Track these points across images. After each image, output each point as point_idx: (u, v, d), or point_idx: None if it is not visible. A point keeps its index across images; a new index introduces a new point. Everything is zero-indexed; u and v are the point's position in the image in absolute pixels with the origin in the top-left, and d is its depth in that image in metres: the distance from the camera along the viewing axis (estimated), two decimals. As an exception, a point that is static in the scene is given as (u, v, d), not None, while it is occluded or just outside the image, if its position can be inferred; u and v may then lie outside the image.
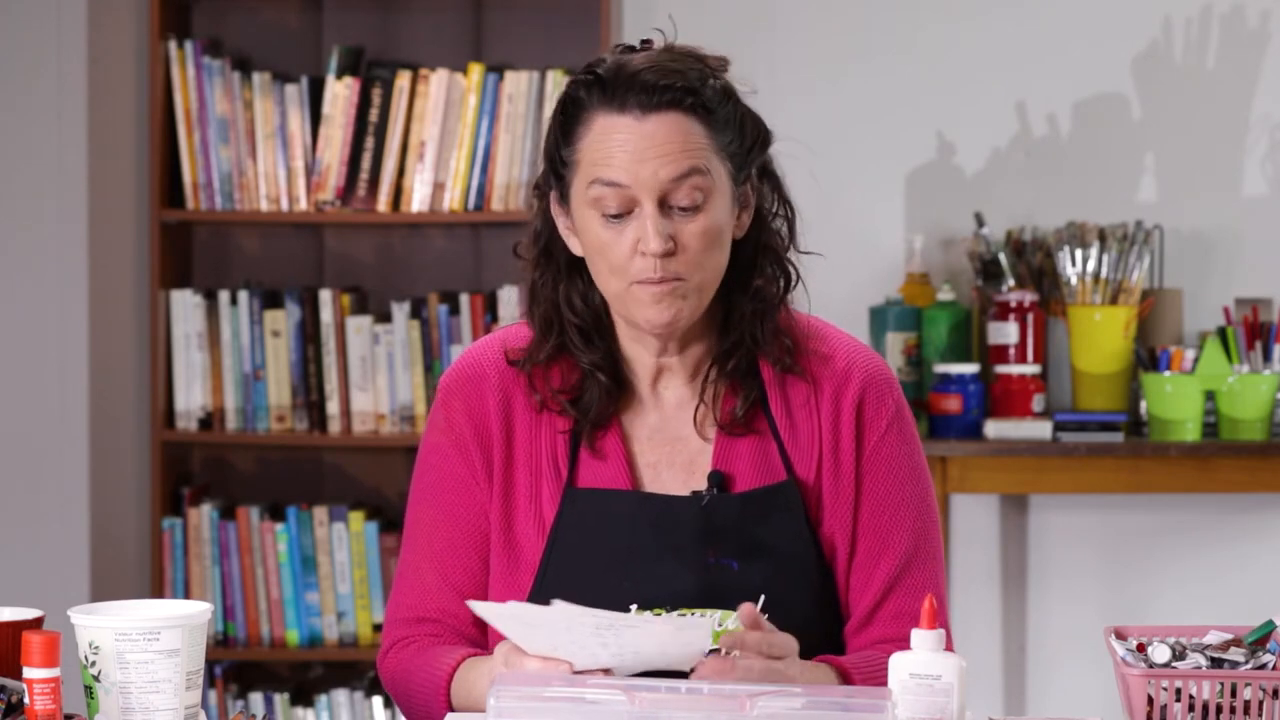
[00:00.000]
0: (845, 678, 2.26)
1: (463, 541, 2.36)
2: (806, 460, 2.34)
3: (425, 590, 2.37)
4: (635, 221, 2.26)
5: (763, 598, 2.28)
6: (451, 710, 2.29)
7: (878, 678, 2.23)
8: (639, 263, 2.26)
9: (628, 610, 2.27)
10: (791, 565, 2.31)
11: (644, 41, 2.34)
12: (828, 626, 2.35)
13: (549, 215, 2.35)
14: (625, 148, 2.25)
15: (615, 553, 2.30)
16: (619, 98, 2.26)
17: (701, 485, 2.33)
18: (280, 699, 4.64)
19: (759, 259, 2.35)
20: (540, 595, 2.30)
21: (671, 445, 2.36)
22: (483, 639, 2.36)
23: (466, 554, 2.36)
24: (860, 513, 2.35)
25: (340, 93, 4.61)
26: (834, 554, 2.34)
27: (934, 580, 2.36)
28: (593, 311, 2.36)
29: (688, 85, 2.26)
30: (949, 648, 2.28)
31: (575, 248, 2.33)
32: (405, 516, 2.42)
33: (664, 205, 2.26)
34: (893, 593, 2.33)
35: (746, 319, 2.35)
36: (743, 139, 2.31)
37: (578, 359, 2.35)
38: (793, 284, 2.37)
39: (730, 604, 2.28)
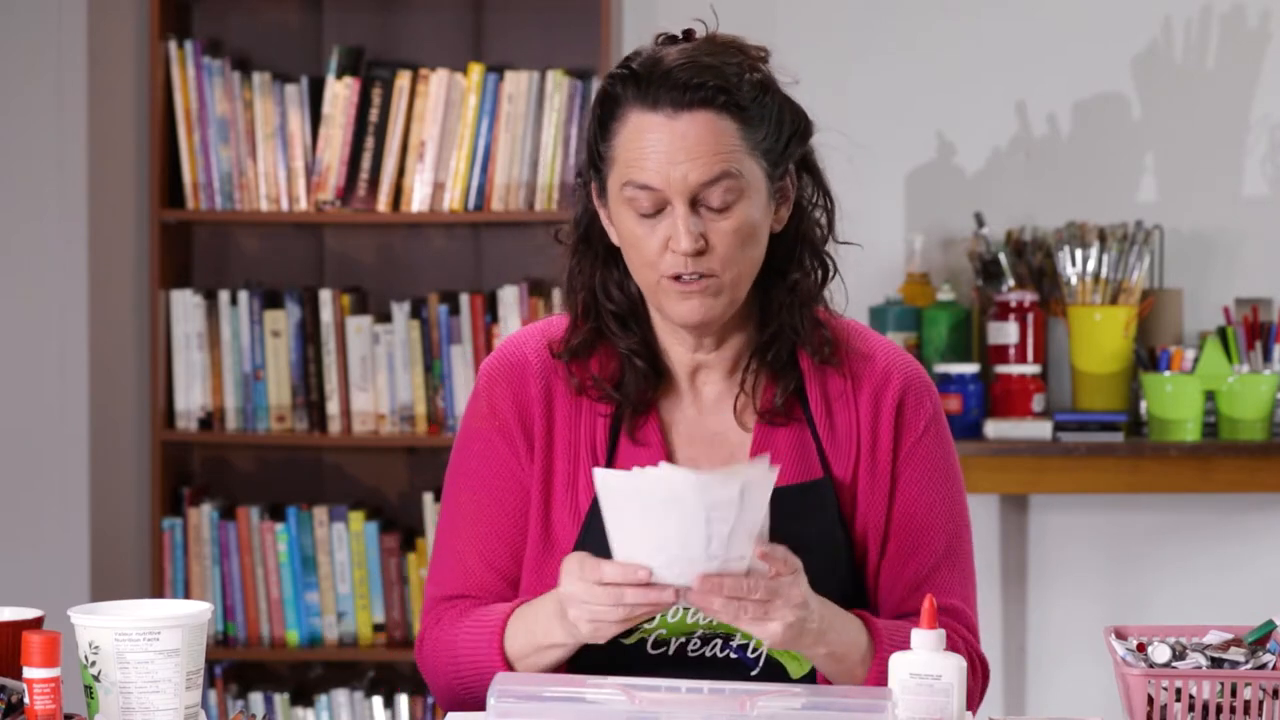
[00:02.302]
0: (874, 639, 2.25)
1: (507, 525, 2.36)
2: (844, 458, 2.35)
3: (467, 571, 2.36)
4: (667, 219, 2.26)
5: None
6: (507, 663, 2.27)
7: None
8: (670, 258, 2.26)
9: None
10: (824, 561, 2.31)
11: (686, 31, 2.33)
12: None
13: (590, 202, 2.36)
14: (657, 149, 2.24)
15: None
16: (652, 94, 2.25)
17: None
18: (280, 699, 4.63)
19: (797, 251, 2.35)
20: None
21: (710, 441, 2.36)
22: None
23: (511, 537, 2.36)
24: (893, 511, 2.35)
25: (340, 93, 4.61)
26: (865, 551, 2.35)
27: (963, 582, 2.36)
28: (629, 299, 2.36)
29: (720, 84, 2.25)
30: (979, 651, 2.30)
31: (613, 236, 2.34)
32: (443, 501, 2.41)
33: (695, 204, 2.26)
34: (919, 591, 2.33)
35: (784, 310, 2.35)
36: (780, 133, 2.31)
37: (615, 345, 2.36)
38: (830, 276, 2.38)
39: None
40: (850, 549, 2.34)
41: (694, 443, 2.36)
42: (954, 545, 2.36)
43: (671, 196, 2.25)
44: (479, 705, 2.23)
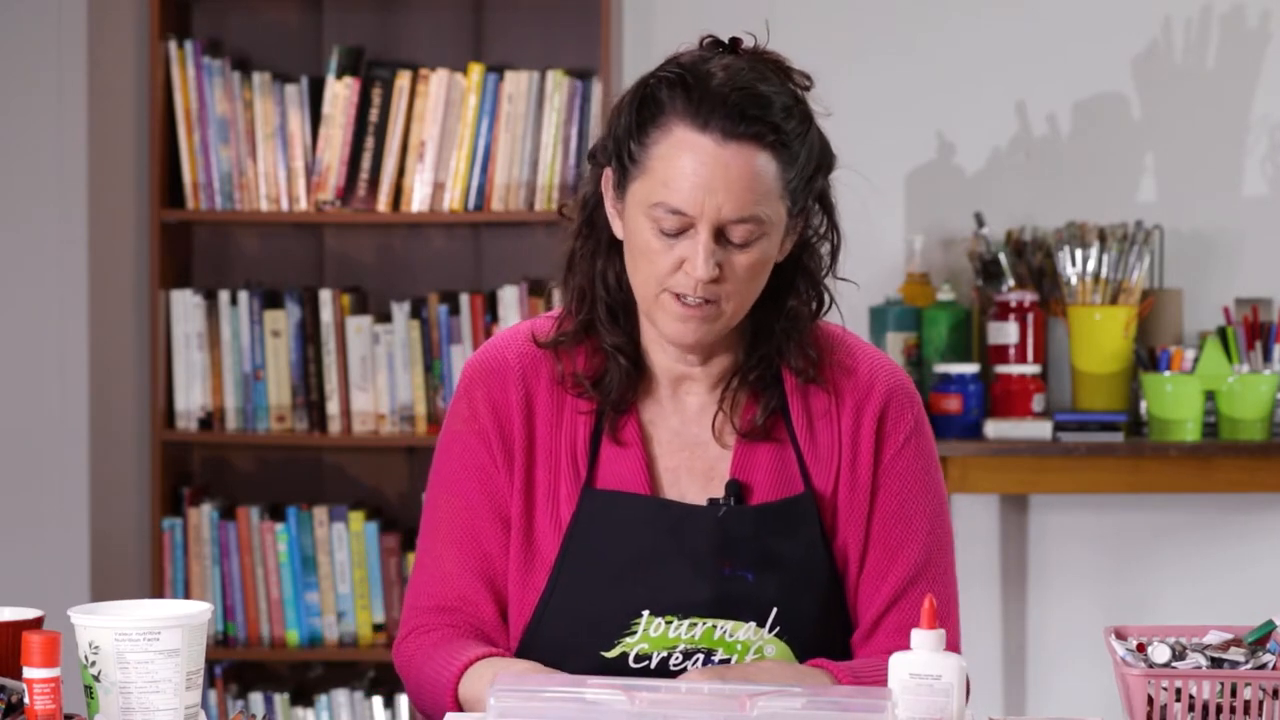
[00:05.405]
0: (835, 683, 2.26)
1: (484, 528, 2.35)
2: (825, 472, 2.34)
3: (445, 577, 2.36)
4: (687, 241, 2.24)
5: (775, 610, 2.29)
6: (460, 707, 2.28)
7: (867, 684, 2.24)
8: (680, 278, 2.25)
9: (640, 615, 2.28)
10: (805, 577, 2.31)
11: (732, 40, 2.30)
12: (839, 637, 2.35)
13: (599, 186, 2.33)
14: (697, 174, 2.21)
15: (630, 557, 2.29)
16: (703, 114, 2.22)
17: (719, 493, 2.33)
18: (280, 699, 4.63)
19: (796, 280, 2.34)
20: (554, 595, 2.31)
21: (691, 451, 2.36)
22: (501, 630, 2.36)
23: (488, 541, 2.35)
24: (872, 524, 2.35)
25: (340, 93, 4.61)
26: (846, 565, 2.35)
27: (943, 595, 2.35)
28: (624, 293, 2.34)
29: (773, 121, 2.23)
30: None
31: (617, 229, 2.32)
32: (424, 506, 2.41)
33: (718, 234, 2.24)
34: (899, 604, 2.33)
35: (775, 337, 2.34)
36: (808, 170, 2.28)
37: (601, 339, 2.34)
38: (825, 308, 2.36)
39: (743, 615, 2.28)
40: (831, 563, 2.33)
41: (675, 452, 2.35)
42: (933, 558, 2.36)
43: (698, 223, 2.23)
44: None
